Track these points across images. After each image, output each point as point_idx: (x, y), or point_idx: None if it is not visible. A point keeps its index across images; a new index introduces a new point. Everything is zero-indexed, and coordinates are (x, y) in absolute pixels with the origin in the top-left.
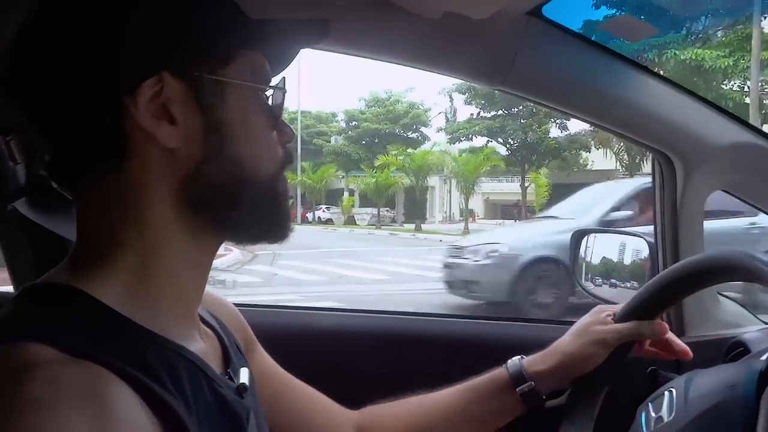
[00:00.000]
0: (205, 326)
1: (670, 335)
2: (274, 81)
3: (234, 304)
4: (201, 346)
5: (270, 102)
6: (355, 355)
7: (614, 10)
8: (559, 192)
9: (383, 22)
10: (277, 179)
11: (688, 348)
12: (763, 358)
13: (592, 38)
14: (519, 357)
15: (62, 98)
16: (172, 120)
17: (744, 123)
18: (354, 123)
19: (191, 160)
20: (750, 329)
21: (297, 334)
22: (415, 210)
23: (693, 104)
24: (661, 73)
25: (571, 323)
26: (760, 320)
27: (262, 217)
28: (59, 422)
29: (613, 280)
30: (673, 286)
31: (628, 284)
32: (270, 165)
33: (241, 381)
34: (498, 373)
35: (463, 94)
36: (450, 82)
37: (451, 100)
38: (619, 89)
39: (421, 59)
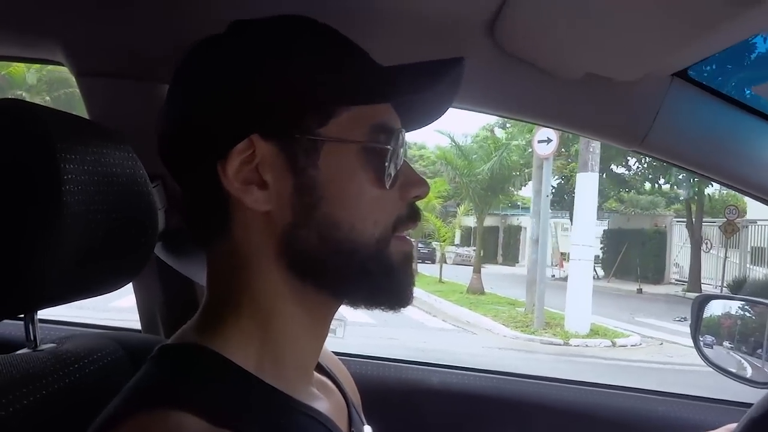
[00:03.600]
0: (327, 379)
1: None
2: (391, 136)
3: (333, 352)
4: (326, 404)
5: (388, 158)
6: (467, 418)
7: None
8: None
9: (519, 81)
10: (387, 243)
11: None
12: None
13: (743, 98)
14: None
15: (182, 159)
16: (264, 183)
17: None
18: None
19: (284, 223)
20: None
21: (401, 391)
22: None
23: None
24: None
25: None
26: None
27: (372, 284)
28: None
29: (741, 351)
30: None
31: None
32: (377, 228)
33: None
34: None
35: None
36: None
37: None
38: (764, 151)
39: (557, 119)
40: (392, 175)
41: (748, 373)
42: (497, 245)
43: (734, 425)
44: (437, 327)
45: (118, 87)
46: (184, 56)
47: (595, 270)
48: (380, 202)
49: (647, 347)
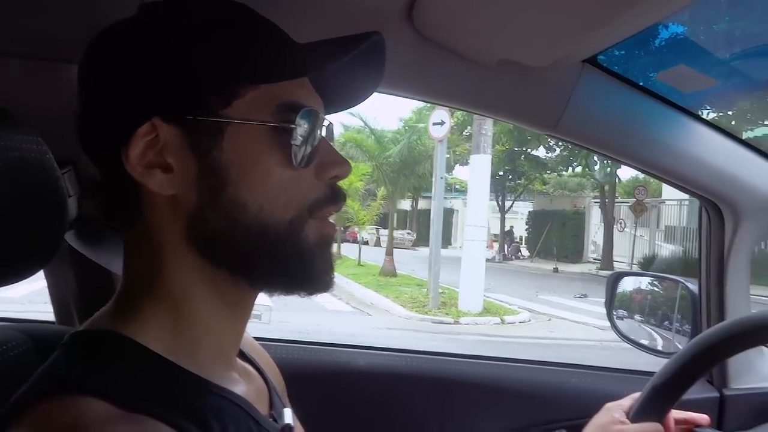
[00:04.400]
0: (248, 364)
1: (682, 416)
2: (307, 117)
3: (255, 338)
4: (244, 387)
5: (299, 137)
6: (395, 398)
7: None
8: None
9: (438, 66)
10: (301, 226)
11: (703, 414)
12: None
13: (649, 84)
14: None
15: (93, 143)
16: (168, 166)
17: None
18: None
19: (191, 207)
20: None
21: (328, 373)
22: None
23: (745, 153)
24: None
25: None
26: None
27: (285, 268)
28: None
29: (650, 324)
30: (684, 371)
31: (664, 328)
32: (288, 210)
33: (286, 422)
34: None
35: None
36: None
37: None
38: (670, 137)
39: (474, 103)
40: (304, 155)
41: (659, 344)
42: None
43: (638, 393)
44: (335, 309)
45: (26, 68)
46: (94, 38)
47: (519, 250)
48: (292, 184)
49: (535, 323)
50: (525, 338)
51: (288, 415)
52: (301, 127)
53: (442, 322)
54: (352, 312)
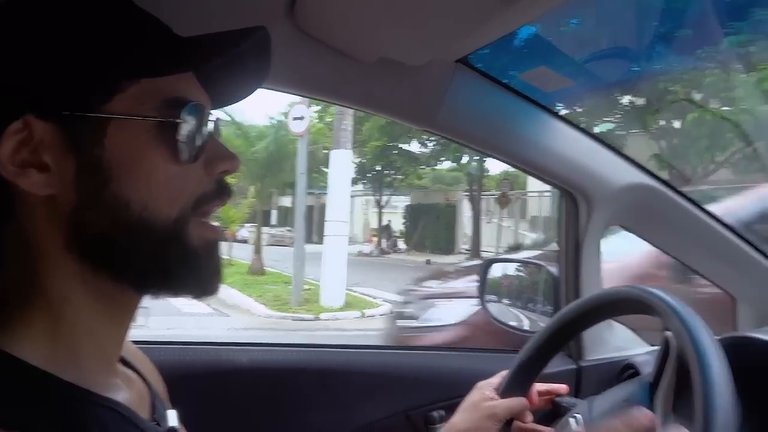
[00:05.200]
0: (128, 369)
1: (544, 387)
2: (192, 112)
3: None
4: (126, 394)
5: (185, 133)
6: (281, 393)
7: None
8: None
9: (319, 63)
10: (186, 223)
11: (563, 385)
12: (650, 371)
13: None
14: None
15: None
16: (44, 165)
17: (638, 165)
18: None
19: (70, 207)
20: (639, 352)
21: (211, 373)
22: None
23: (596, 147)
24: None
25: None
26: (647, 343)
27: (172, 269)
28: None
29: (517, 306)
30: (545, 346)
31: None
32: (173, 207)
33: (170, 425)
34: None
35: None
36: None
37: None
38: (534, 133)
39: (355, 99)
40: (192, 150)
41: (525, 324)
42: (311, 224)
43: (506, 371)
44: (192, 312)
45: None
46: None
47: (397, 244)
48: (179, 180)
49: None
50: (379, 330)
51: (172, 418)
52: (188, 123)
53: (302, 319)
54: (210, 314)
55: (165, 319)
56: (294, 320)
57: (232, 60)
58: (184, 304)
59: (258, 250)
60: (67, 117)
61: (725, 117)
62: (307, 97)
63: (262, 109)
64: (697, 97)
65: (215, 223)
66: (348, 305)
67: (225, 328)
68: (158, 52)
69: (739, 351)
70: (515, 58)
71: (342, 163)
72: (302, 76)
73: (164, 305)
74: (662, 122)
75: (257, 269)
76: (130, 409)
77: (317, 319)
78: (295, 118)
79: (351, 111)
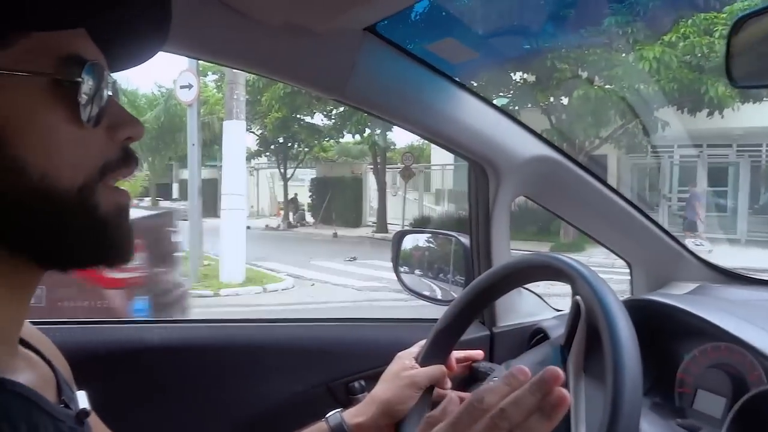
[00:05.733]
0: (29, 351)
1: (461, 354)
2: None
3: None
4: (29, 376)
5: (85, 94)
6: (197, 370)
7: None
8: None
9: (228, 27)
10: (92, 191)
11: (478, 351)
12: (559, 334)
13: (423, 54)
14: (339, 410)
15: None
16: None
17: (542, 138)
18: None
19: None
20: (547, 317)
21: (119, 352)
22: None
23: (502, 120)
24: None
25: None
26: (554, 308)
27: (79, 240)
28: None
29: (429, 277)
30: (461, 315)
31: (440, 279)
32: (78, 173)
33: (81, 406)
34: (318, 427)
35: None
36: None
37: None
38: (443, 104)
39: (263, 66)
40: (93, 113)
41: (438, 294)
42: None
43: (425, 341)
44: None
45: None
46: None
47: (305, 217)
48: (81, 144)
49: (299, 289)
50: (284, 305)
51: (82, 399)
52: (87, 83)
53: (200, 296)
54: None
55: None
56: (192, 297)
57: (128, 19)
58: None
59: None
60: None
61: (608, 93)
62: (211, 63)
63: (151, 76)
64: (584, 75)
65: (123, 188)
66: (250, 280)
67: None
68: (51, 4)
69: (637, 312)
70: (423, 29)
71: (236, 135)
72: (208, 41)
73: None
74: (552, 99)
75: None
76: (34, 391)
77: (217, 295)
78: (183, 87)
79: (243, 81)
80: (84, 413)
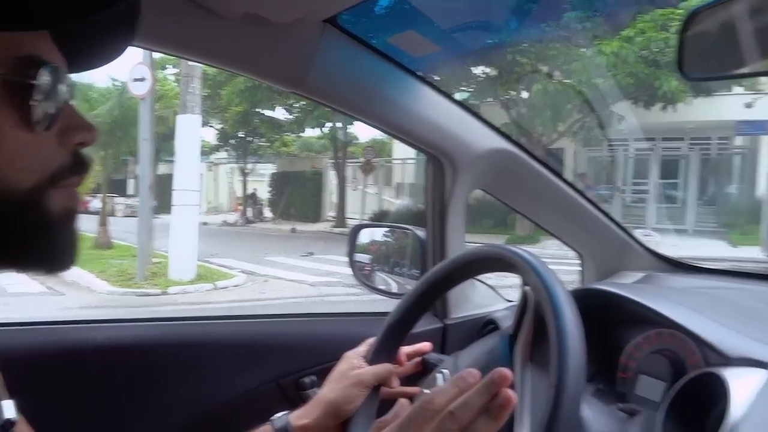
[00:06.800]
0: None
1: (411, 349)
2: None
3: None
4: None
5: (39, 96)
6: (145, 370)
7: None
8: None
9: (185, 19)
10: (41, 195)
11: (426, 342)
12: (509, 324)
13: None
14: (285, 413)
15: None
16: None
17: (499, 131)
18: None
19: None
20: (499, 308)
21: (59, 355)
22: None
23: (461, 113)
24: None
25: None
26: (507, 300)
27: (23, 243)
28: None
29: (385, 271)
30: (412, 307)
31: (396, 273)
32: (28, 177)
33: (6, 417)
34: (263, 430)
35: None
36: None
37: None
38: (402, 98)
39: (221, 59)
40: (46, 116)
41: (393, 288)
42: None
43: (373, 339)
44: (19, 292)
45: None
46: None
47: (263, 213)
48: (31, 148)
49: (252, 285)
50: (236, 302)
51: (8, 409)
52: (43, 85)
53: (147, 294)
54: (41, 293)
55: None
56: (138, 296)
57: (99, 21)
58: (9, 283)
59: (103, 222)
60: None
61: (566, 87)
62: (169, 55)
63: (106, 69)
64: (543, 69)
65: (75, 191)
66: (200, 277)
67: (58, 308)
68: (7, 4)
69: (585, 301)
70: (386, 22)
71: (190, 130)
72: (163, 32)
73: None
74: (512, 93)
75: (103, 243)
76: None
77: (165, 293)
78: (136, 80)
79: (199, 74)
80: (9, 423)
